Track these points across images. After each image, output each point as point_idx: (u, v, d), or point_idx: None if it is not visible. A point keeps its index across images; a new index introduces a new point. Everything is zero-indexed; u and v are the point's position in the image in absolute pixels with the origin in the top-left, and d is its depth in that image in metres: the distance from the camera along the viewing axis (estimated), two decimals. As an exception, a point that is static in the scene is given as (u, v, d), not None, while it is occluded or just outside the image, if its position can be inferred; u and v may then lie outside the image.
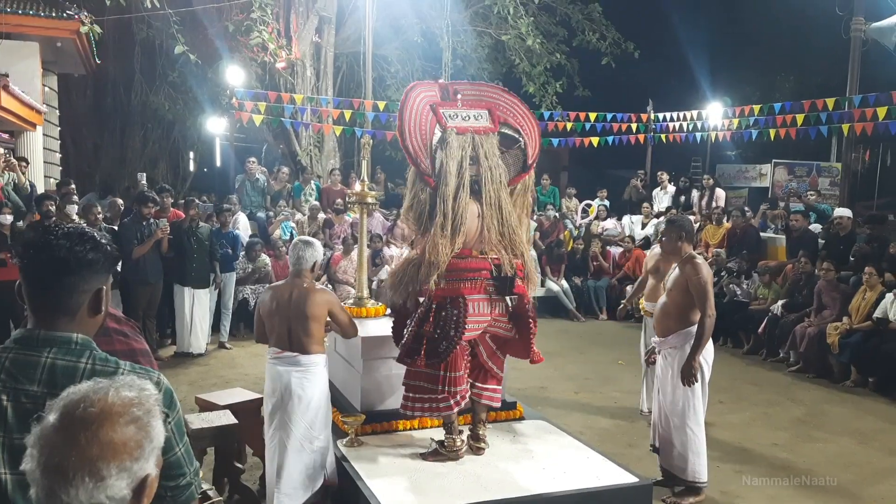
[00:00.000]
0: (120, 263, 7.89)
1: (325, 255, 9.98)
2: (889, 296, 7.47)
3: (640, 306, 6.45)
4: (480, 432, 4.24)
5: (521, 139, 4.17)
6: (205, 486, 3.96)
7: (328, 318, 4.05)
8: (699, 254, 4.91)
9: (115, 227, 8.14)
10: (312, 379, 3.96)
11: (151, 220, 7.98)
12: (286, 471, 3.91)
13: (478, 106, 4.14)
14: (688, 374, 4.42)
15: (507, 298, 3.94)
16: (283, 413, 3.94)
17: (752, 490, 4.87)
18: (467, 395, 4.07)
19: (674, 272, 4.66)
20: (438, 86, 4.23)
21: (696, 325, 4.49)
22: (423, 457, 4.11)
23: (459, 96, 4.15)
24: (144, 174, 9.00)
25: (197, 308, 8.30)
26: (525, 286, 4.03)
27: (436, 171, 3.95)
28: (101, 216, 7.76)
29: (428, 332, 3.87)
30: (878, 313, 7.48)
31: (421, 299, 4.01)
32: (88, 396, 1.26)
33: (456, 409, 4.00)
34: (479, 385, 4.18)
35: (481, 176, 3.97)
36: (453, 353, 3.86)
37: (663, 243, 4.81)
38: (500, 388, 4.31)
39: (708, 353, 4.62)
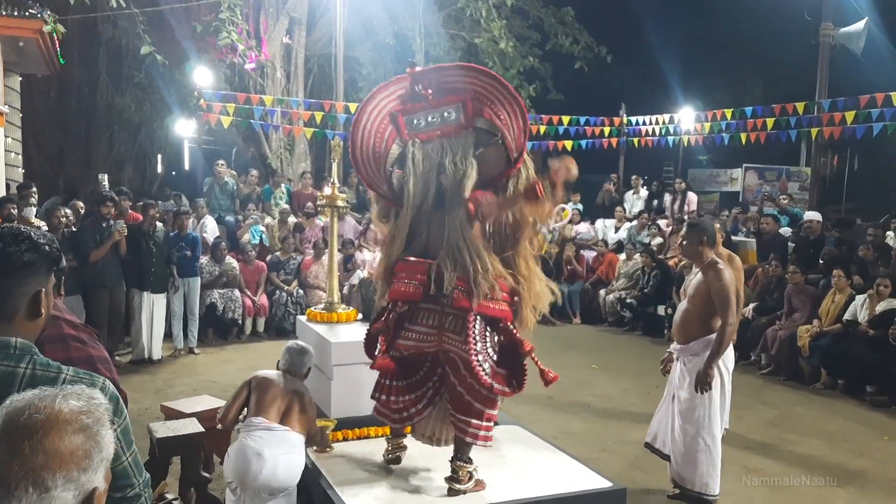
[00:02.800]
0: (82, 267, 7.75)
1: (296, 258, 9.90)
2: (858, 298, 7.55)
3: None
4: (452, 469, 3.66)
5: (497, 134, 3.66)
6: (169, 496, 3.85)
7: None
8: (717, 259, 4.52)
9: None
10: (298, 458, 3.64)
11: (111, 222, 7.81)
12: None
13: (450, 100, 3.68)
14: (702, 381, 4.29)
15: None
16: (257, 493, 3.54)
17: (725, 492, 4.84)
18: (417, 417, 3.78)
19: (695, 277, 4.53)
20: (411, 76, 3.75)
21: (716, 334, 4.36)
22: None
23: (430, 89, 3.70)
24: (106, 175, 8.79)
25: (156, 313, 8.16)
26: (469, 301, 3.43)
27: (395, 191, 3.76)
28: (64, 219, 7.56)
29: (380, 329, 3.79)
30: (847, 316, 7.55)
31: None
32: (34, 403, 1.18)
33: (399, 426, 3.83)
34: (460, 416, 3.63)
35: (446, 186, 3.60)
36: (390, 360, 3.70)
37: (684, 248, 4.66)
38: (488, 424, 3.64)
39: (728, 360, 4.53)
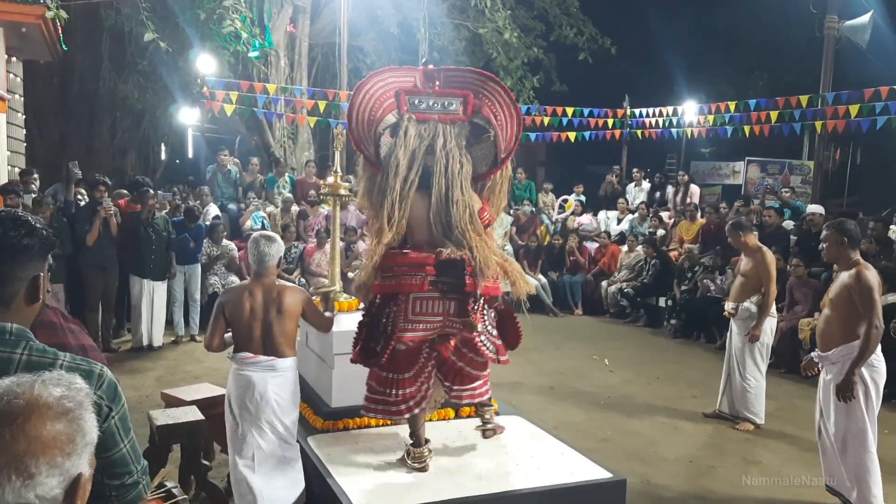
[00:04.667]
0: (77, 252, 7.77)
1: (298, 247, 9.91)
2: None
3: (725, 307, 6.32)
4: (486, 416, 4.36)
5: (490, 130, 3.81)
6: (169, 485, 3.85)
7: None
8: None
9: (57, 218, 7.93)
10: (286, 384, 3.80)
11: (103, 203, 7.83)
12: (267, 489, 3.72)
13: (454, 93, 3.84)
14: (844, 389, 4.09)
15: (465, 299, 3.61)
16: (257, 422, 3.72)
17: (724, 484, 4.87)
18: (423, 402, 3.83)
19: (838, 280, 4.31)
20: (423, 71, 3.93)
21: (861, 339, 4.13)
22: (397, 461, 3.95)
23: (437, 82, 3.87)
24: (76, 162, 8.76)
25: (156, 300, 8.18)
26: (475, 283, 3.60)
27: (381, 158, 3.78)
28: (50, 209, 7.60)
29: (366, 326, 3.74)
30: (849, 309, 7.54)
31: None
32: (12, 390, 1.16)
33: (407, 415, 3.82)
34: (457, 388, 3.91)
35: (433, 167, 3.71)
36: (396, 354, 3.69)
37: (824, 251, 4.37)
38: (483, 383, 4.02)
39: (878, 371, 4.23)
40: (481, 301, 3.70)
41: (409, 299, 3.65)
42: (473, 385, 3.94)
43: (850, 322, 4.17)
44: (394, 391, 3.75)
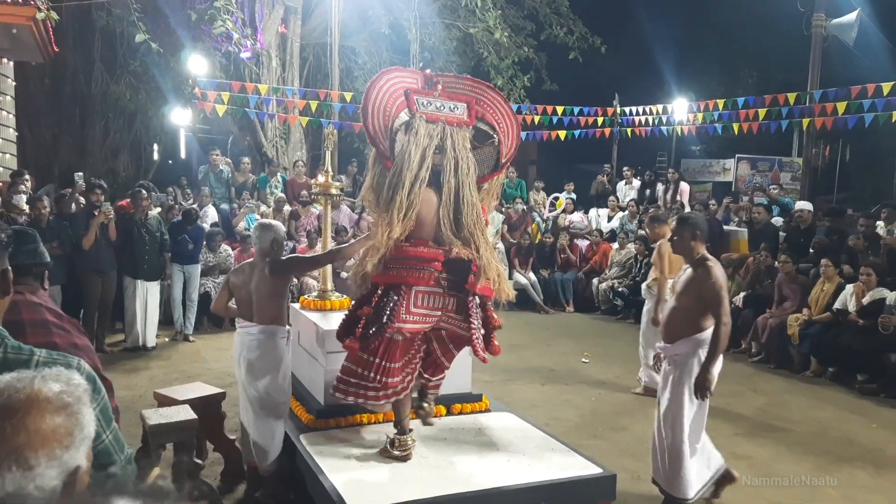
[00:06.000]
0: (74, 254, 7.78)
1: (289, 246, 9.92)
2: (848, 287, 7.61)
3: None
4: (426, 405, 4.23)
5: (495, 136, 3.98)
6: (164, 482, 3.88)
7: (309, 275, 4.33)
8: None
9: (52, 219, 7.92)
10: (265, 348, 4.24)
11: (101, 207, 7.84)
12: (252, 433, 4.32)
13: (457, 98, 3.98)
14: (701, 387, 4.10)
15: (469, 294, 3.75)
16: (243, 378, 4.31)
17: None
18: (402, 393, 3.92)
19: (685, 274, 4.38)
20: (423, 75, 4.04)
21: (704, 332, 4.18)
22: (379, 452, 4.04)
23: (440, 87, 3.98)
24: (81, 174, 8.87)
25: (150, 301, 8.18)
26: (475, 283, 3.77)
27: (395, 153, 3.86)
28: (46, 209, 7.59)
29: (365, 314, 3.78)
30: (837, 305, 7.62)
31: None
32: (13, 385, 1.21)
33: (383, 402, 3.90)
34: (430, 377, 4.19)
35: (443, 166, 3.84)
36: (393, 343, 3.78)
37: (674, 243, 4.42)
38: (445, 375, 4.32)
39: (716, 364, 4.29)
40: (476, 300, 3.84)
41: (412, 292, 3.75)
42: (442, 375, 4.25)
43: (695, 315, 4.22)
44: (377, 376, 3.81)
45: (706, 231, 4.40)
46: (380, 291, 3.79)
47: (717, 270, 4.18)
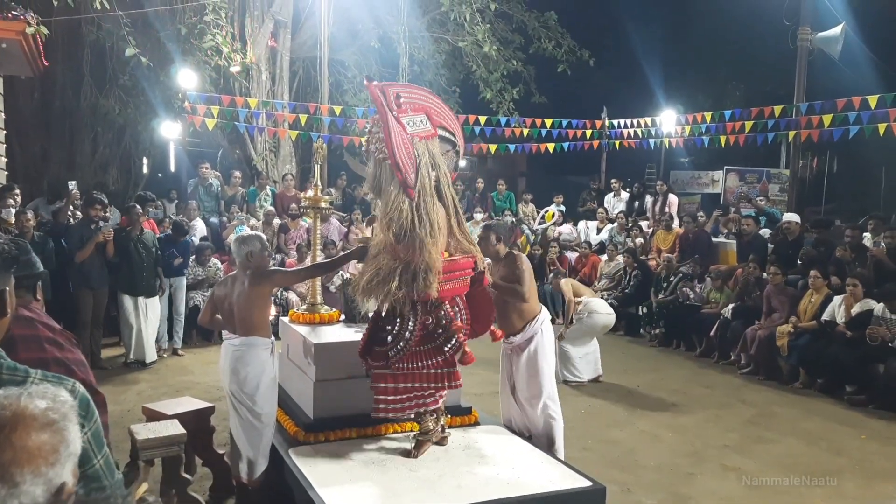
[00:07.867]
0: (66, 270, 7.75)
1: (278, 260, 9.91)
2: (836, 299, 7.66)
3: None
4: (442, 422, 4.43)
5: (455, 141, 4.29)
6: (150, 499, 3.87)
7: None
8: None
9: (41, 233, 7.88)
10: (249, 359, 4.26)
11: (99, 224, 7.82)
12: (239, 443, 4.34)
13: (419, 110, 4.12)
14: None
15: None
16: (229, 388, 4.32)
17: (704, 491, 4.93)
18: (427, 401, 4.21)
19: (500, 272, 4.81)
20: (381, 90, 4.00)
21: (535, 321, 4.78)
22: (413, 455, 4.14)
23: (402, 100, 4.05)
24: (75, 182, 8.83)
25: (149, 316, 8.12)
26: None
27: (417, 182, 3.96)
28: (31, 223, 7.54)
29: (458, 329, 4.02)
30: (825, 316, 7.66)
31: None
32: None
33: (401, 416, 4.20)
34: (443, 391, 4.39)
35: (440, 180, 4.05)
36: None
37: (482, 248, 4.61)
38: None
39: (549, 338, 4.92)
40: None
41: (460, 301, 4.13)
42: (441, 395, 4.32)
43: (519, 305, 4.77)
44: (448, 383, 4.13)
45: (508, 235, 5.06)
46: (447, 305, 4.03)
47: (524, 257, 4.87)
